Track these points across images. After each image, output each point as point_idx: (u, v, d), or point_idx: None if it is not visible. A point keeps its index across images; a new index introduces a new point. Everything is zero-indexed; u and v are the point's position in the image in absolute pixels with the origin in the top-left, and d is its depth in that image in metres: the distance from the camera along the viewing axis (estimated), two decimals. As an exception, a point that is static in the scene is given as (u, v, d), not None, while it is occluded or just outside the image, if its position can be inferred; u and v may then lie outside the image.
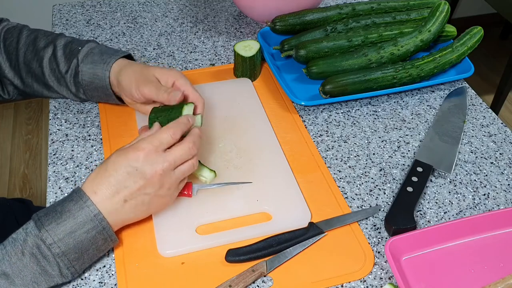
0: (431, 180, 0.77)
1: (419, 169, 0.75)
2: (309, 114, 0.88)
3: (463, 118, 0.87)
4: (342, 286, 0.64)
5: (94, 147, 0.80)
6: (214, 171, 0.71)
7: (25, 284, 0.58)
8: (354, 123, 0.86)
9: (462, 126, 0.85)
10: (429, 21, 0.92)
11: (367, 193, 0.75)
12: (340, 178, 0.77)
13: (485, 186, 0.77)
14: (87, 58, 0.79)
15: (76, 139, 0.82)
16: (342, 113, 0.88)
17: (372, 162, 0.80)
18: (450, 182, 0.77)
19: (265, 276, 0.64)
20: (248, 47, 0.90)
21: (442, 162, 0.78)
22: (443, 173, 0.78)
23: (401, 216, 0.69)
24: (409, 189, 0.72)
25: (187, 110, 0.70)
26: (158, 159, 0.63)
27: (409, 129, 0.85)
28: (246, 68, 0.91)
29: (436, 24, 0.92)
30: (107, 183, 0.62)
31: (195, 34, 1.06)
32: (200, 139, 0.68)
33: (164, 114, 0.71)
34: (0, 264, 0.58)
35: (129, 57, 0.83)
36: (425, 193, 0.75)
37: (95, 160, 0.78)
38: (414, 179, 0.74)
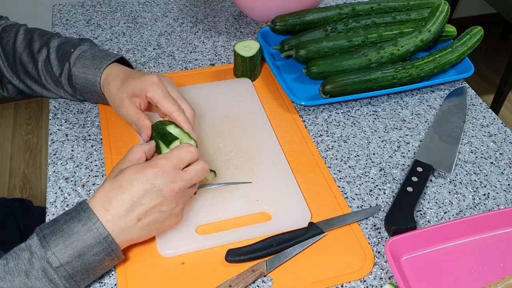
0: (431, 180, 0.77)
1: (419, 169, 0.75)
2: (309, 114, 0.88)
3: (463, 118, 0.87)
4: (342, 286, 0.64)
5: (94, 147, 0.80)
6: (215, 171, 0.71)
7: None
8: (354, 123, 0.86)
9: (462, 126, 0.85)
10: (429, 21, 0.92)
11: (367, 193, 0.75)
12: (340, 178, 0.77)
13: (485, 186, 0.77)
14: (79, 62, 0.77)
15: (76, 139, 0.82)
16: (342, 113, 0.88)
17: (372, 162, 0.80)
18: (450, 182, 0.77)
19: (265, 276, 0.64)
20: (248, 47, 0.90)
21: (442, 162, 0.78)
22: (443, 173, 0.78)
23: (401, 216, 0.69)
24: (409, 189, 0.72)
25: (174, 145, 0.67)
26: (176, 177, 0.61)
27: (409, 129, 0.85)
28: (246, 68, 0.91)
29: (436, 24, 0.92)
30: (121, 200, 0.59)
31: (195, 34, 1.06)
32: None
33: (158, 141, 0.69)
34: (2, 283, 0.56)
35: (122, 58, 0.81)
36: (425, 193, 0.75)
37: (95, 160, 0.78)
38: (414, 179, 0.74)
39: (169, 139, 0.67)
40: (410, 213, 0.69)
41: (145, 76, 0.72)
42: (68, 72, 0.79)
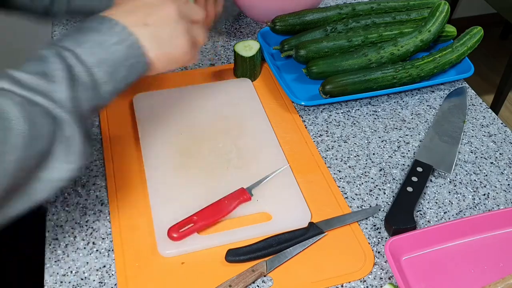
0: (431, 180, 0.77)
1: (419, 169, 0.75)
2: (309, 114, 0.88)
3: (463, 118, 0.87)
4: (342, 286, 0.64)
5: (94, 147, 0.80)
6: None
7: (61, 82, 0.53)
8: (354, 123, 0.86)
9: (462, 126, 0.85)
10: (429, 21, 0.92)
11: (367, 193, 0.75)
12: (340, 178, 0.77)
13: (485, 186, 0.77)
14: None
15: (76, 139, 0.82)
16: (342, 113, 0.88)
17: (372, 162, 0.80)
18: (450, 182, 0.77)
19: (265, 276, 0.64)
20: (248, 47, 0.90)
21: (442, 162, 0.78)
22: (443, 173, 0.78)
23: (401, 216, 0.69)
24: (409, 189, 0.72)
25: None
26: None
27: (409, 129, 0.85)
28: (246, 68, 0.91)
29: (436, 24, 0.92)
30: (130, 4, 0.60)
31: (195, 34, 1.06)
32: None
33: None
34: (32, 67, 0.53)
35: None
36: (425, 193, 0.75)
37: (95, 160, 0.78)
38: (414, 179, 0.74)
39: None
40: (410, 213, 0.69)
41: None
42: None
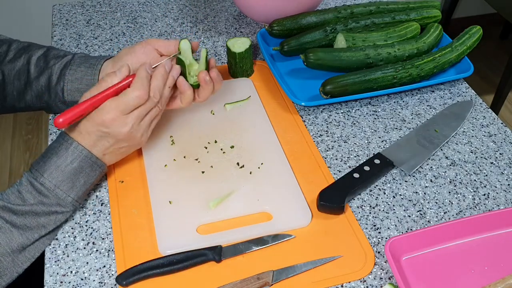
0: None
1: (377, 161, 0.76)
2: (309, 114, 0.88)
3: (455, 129, 0.85)
4: (342, 286, 0.64)
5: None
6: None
7: (33, 227, 0.64)
8: (354, 123, 0.86)
9: (448, 135, 0.83)
10: (424, 35, 0.95)
11: (367, 193, 0.75)
12: (340, 178, 0.77)
13: (485, 186, 0.77)
14: (73, 65, 0.78)
15: (76, 139, 0.82)
16: (342, 113, 0.88)
17: (372, 162, 0.80)
18: (450, 182, 0.77)
19: (270, 286, 0.63)
20: (237, 44, 0.90)
21: (407, 161, 0.78)
22: (443, 173, 0.78)
23: (333, 195, 0.71)
24: (356, 175, 0.74)
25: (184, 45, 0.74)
26: (125, 120, 0.66)
27: (409, 129, 0.85)
28: (235, 64, 0.91)
29: (430, 38, 0.94)
30: (85, 140, 0.67)
31: (195, 34, 1.06)
32: (155, 78, 0.68)
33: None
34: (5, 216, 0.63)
35: None
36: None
37: (95, 160, 0.78)
38: (366, 168, 0.75)
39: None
40: (343, 195, 0.71)
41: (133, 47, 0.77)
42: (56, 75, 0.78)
